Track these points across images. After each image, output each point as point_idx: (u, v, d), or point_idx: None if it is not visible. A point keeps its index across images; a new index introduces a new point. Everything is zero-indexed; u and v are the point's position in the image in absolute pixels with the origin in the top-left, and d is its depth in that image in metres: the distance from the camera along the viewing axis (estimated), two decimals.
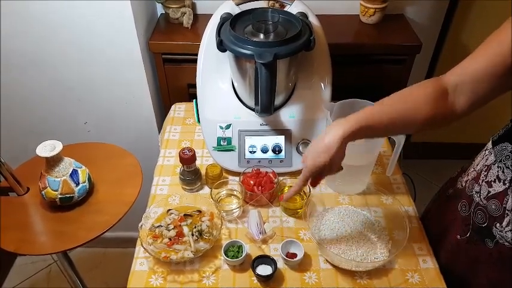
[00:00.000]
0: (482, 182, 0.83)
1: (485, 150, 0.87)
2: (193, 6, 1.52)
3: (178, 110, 1.39)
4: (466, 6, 1.73)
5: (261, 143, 1.14)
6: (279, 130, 1.14)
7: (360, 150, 1.04)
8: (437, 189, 1.07)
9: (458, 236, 0.90)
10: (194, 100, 1.32)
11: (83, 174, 1.09)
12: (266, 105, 1.01)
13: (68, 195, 1.06)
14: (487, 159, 0.84)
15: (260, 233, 0.98)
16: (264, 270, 0.91)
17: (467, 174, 0.90)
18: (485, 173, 0.83)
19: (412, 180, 1.80)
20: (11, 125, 1.56)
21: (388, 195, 1.04)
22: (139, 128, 1.59)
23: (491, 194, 0.81)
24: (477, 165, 0.87)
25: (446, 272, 0.94)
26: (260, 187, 1.06)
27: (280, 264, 0.94)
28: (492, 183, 0.81)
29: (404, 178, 1.16)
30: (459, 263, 0.91)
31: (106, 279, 1.92)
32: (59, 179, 1.04)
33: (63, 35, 1.33)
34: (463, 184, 0.91)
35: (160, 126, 1.52)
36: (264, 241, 0.99)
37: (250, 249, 0.97)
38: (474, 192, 0.85)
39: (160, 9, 1.55)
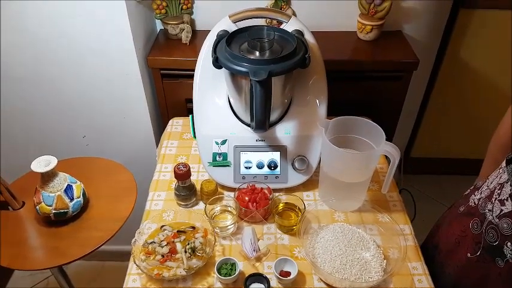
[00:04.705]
0: (495, 200, 0.83)
1: (499, 169, 0.87)
2: (192, 23, 1.54)
3: (176, 124, 1.40)
4: (464, 23, 1.74)
5: (257, 159, 1.14)
6: (275, 146, 1.14)
7: (355, 166, 1.04)
8: (438, 204, 1.06)
9: (469, 254, 0.89)
10: (190, 115, 1.32)
11: (77, 189, 1.09)
12: (261, 122, 1.01)
13: (62, 211, 1.06)
14: (500, 178, 0.84)
15: (254, 250, 0.97)
16: None
17: (481, 192, 0.90)
18: (499, 191, 0.83)
19: (412, 195, 1.78)
20: (10, 139, 1.57)
21: (384, 213, 1.03)
22: (138, 142, 1.60)
23: (503, 212, 0.80)
24: (491, 183, 0.87)
25: None
26: (255, 203, 1.06)
27: (274, 282, 0.93)
28: (505, 201, 0.81)
29: (401, 196, 1.15)
30: (468, 280, 0.90)
31: None
32: (53, 194, 1.04)
33: (62, 51, 1.35)
34: (476, 202, 0.90)
35: (158, 141, 1.52)
36: (258, 259, 0.98)
37: (244, 267, 0.96)
38: (487, 210, 0.85)
39: (159, 26, 1.57)
